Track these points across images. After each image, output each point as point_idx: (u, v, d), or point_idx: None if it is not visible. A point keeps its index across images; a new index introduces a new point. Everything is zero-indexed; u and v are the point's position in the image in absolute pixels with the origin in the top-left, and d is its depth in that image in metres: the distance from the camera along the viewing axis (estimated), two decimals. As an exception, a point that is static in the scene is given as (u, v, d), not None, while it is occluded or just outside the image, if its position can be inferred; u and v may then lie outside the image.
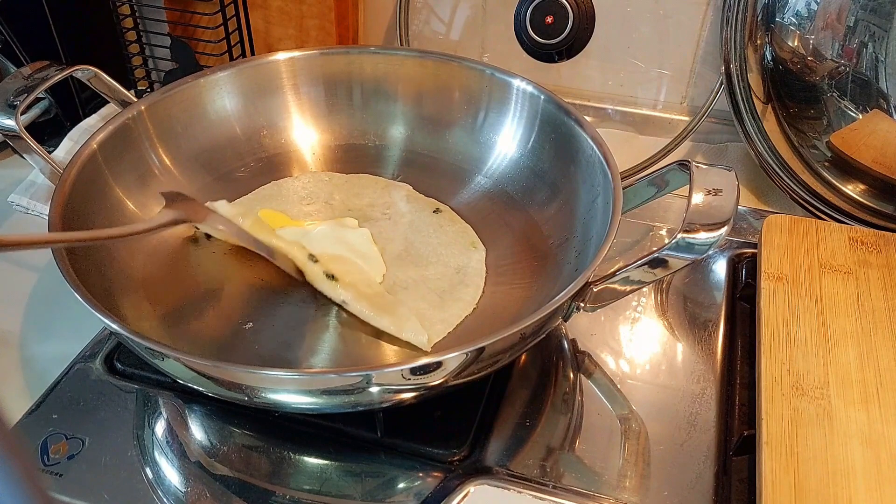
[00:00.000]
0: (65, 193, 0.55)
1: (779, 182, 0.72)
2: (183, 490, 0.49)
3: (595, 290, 0.50)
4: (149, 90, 0.85)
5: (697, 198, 0.50)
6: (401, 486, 0.49)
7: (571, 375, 0.57)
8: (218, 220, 0.57)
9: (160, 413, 0.54)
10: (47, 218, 0.52)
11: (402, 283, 0.59)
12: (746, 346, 0.58)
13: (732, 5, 0.71)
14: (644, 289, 0.58)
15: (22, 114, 0.59)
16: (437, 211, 0.66)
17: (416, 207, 0.66)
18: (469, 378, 0.46)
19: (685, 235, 0.48)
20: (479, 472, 0.49)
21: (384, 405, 0.48)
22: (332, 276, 0.57)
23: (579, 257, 0.57)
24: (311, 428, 0.52)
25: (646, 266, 0.49)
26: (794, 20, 0.68)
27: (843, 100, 0.67)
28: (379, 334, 0.55)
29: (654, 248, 0.49)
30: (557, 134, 0.64)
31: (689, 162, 0.54)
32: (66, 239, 0.53)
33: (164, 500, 0.48)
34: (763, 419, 0.49)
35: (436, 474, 0.49)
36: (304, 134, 0.72)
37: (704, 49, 0.80)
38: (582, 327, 0.60)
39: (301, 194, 0.68)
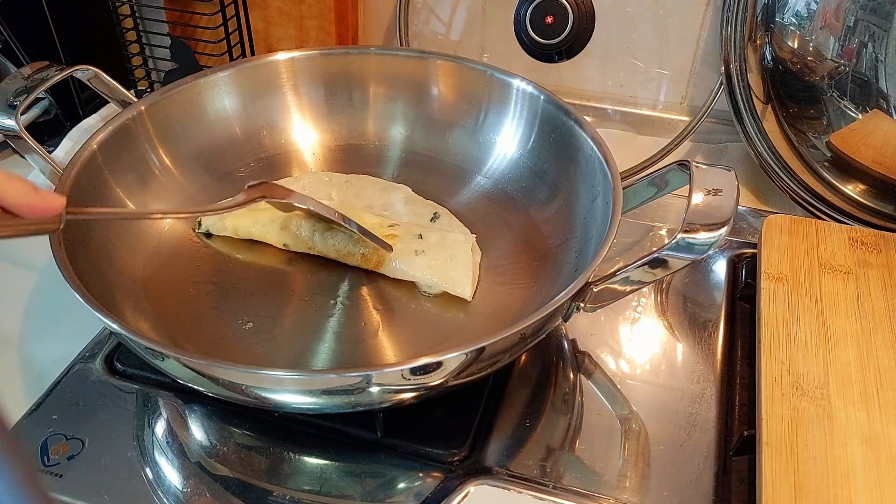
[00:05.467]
0: (65, 193, 0.54)
1: (779, 182, 0.72)
2: (183, 490, 0.49)
3: (595, 290, 0.50)
4: (149, 90, 0.85)
5: (697, 198, 0.50)
6: (401, 486, 0.49)
7: (571, 375, 0.57)
8: (300, 198, 0.57)
9: (160, 413, 0.54)
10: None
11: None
12: (746, 346, 0.58)
13: (732, 5, 0.71)
14: (644, 289, 0.58)
15: (22, 114, 0.59)
16: (434, 216, 0.65)
17: (414, 210, 0.66)
18: (469, 378, 0.46)
19: (685, 235, 0.48)
20: (479, 472, 0.49)
21: (384, 405, 0.48)
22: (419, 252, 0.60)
23: (579, 257, 0.57)
24: (311, 428, 0.52)
25: (646, 266, 0.49)
26: (794, 20, 0.68)
27: (843, 100, 0.67)
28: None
29: (654, 248, 0.49)
30: (557, 134, 0.64)
31: (688, 162, 0.54)
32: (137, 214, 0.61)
33: (164, 500, 0.48)
34: (763, 419, 0.49)
35: (436, 474, 0.49)
36: (304, 134, 0.72)
37: (704, 49, 0.80)
38: (582, 327, 0.60)
39: (301, 194, 0.68)
